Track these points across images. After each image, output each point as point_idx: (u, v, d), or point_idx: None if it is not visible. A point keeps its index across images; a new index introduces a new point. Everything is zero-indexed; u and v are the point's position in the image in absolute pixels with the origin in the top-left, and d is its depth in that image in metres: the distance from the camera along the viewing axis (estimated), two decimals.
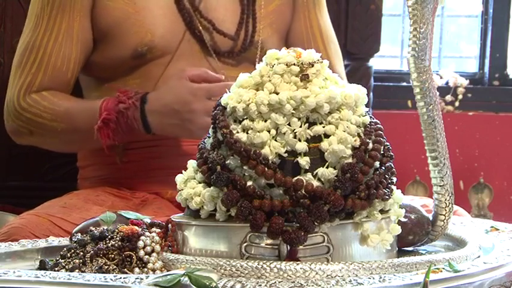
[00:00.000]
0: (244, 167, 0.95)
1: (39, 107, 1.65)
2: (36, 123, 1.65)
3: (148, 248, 1.00)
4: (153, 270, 0.98)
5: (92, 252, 0.99)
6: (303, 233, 0.92)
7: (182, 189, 1.01)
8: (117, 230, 1.02)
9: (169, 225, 1.02)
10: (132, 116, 1.58)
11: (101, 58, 1.71)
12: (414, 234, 1.05)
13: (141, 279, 0.89)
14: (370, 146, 0.97)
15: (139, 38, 1.66)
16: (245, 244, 0.95)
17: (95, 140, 1.59)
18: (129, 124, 1.58)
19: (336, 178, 0.94)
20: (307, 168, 0.95)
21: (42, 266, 1.02)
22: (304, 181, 0.94)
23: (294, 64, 0.99)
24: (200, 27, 1.68)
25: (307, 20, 1.83)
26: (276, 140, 0.96)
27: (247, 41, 1.71)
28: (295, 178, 0.94)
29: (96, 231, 1.03)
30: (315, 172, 0.95)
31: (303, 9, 1.83)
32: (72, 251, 1.02)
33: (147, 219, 1.08)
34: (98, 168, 1.76)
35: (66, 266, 0.99)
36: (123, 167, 1.71)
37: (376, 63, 2.42)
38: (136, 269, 0.99)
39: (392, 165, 1.00)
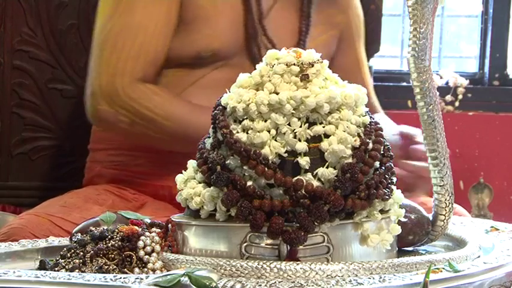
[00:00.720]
0: (244, 167, 0.95)
1: (151, 102, 1.59)
2: (146, 117, 1.59)
3: (148, 248, 1.00)
4: (153, 270, 0.98)
5: (92, 252, 0.99)
6: (303, 233, 0.92)
7: (182, 189, 1.01)
8: (117, 230, 1.02)
9: (169, 225, 1.02)
10: None
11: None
12: (414, 234, 1.05)
13: (141, 279, 0.89)
14: (370, 146, 0.97)
15: (208, 43, 1.64)
16: (245, 244, 0.95)
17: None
18: None
19: (336, 178, 0.94)
20: (307, 168, 0.95)
21: (42, 266, 1.02)
22: (304, 181, 0.94)
23: (294, 64, 0.99)
24: (260, 44, 1.67)
25: (353, 53, 1.84)
26: (276, 140, 0.96)
27: None
28: (295, 178, 0.94)
29: (96, 231, 1.03)
30: (315, 172, 0.95)
31: (349, 42, 1.84)
32: (72, 251, 1.02)
33: (147, 219, 1.08)
34: (113, 153, 1.75)
35: (66, 266, 0.99)
36: (139, 154, 1.70)
37: (376, 63, 2.43)
38: (136, 269, 0.99)
39: (392, 165, 1.00)
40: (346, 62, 1.83)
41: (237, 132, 0.97)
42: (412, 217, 1.05)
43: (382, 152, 0.99)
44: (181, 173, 1.03)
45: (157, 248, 1.00)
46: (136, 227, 1.03)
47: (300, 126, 0.96)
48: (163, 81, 1.65)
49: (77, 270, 0.97)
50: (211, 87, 1.64)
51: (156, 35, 1.60)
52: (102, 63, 1.63)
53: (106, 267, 0.98)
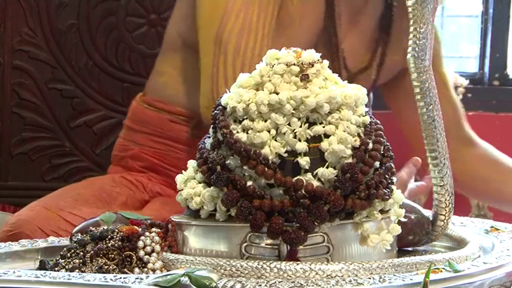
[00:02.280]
0: (244, 167, 0.95)
1: None
2: None
3: (148, 248, 1.00)
4: (153, 270, 0.98)
5: (92, 252, 0.99)
6: (303, 233, 0.92)
7: (182, 189, 1.01)
8: (117, 230, 1.02)
9: (169, 225, 1.02)
10: None
11: None
12: (414, 234, 1.05)
13: (141, 279, 0.89)
14: (370, 146, 0.97)
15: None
16: (245, 244, 0.95)
17: None
18: None
19: (336, 178, 0.94)
20: (307, 168, 0.95)
21: (42, 266, 1.02)
22: (304, 181, 0.94)
23: (294, 64, 0.99)
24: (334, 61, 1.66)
25: (437, 76, 1.86)
26: (276, 140, 0.96)
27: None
28: (295, 178, 0.94)
29: (96, 231, 1.03)
30: (315, 172, 0.95)
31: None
32: (72, 251, 1.02)
33: (147, 219, 1.08)
34: (155, 140, 1.74)
35: (66, 266, 0.99)
36: (182, 148, 1.70)
37: None
38: (136, 269, 0.99)
39: (393, 165, 1.00)
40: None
41: (237, 132, 0.97)
42: (412, 217, 1.05)
43: (382, 152, 0.99)
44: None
45: (157, 248, 1.00)
46: (136, 227, 1.03)
47: (300, 126, 0.96)
48: None
49: (77, 270, 0.97)
50: None
51: (270, 38, 1.58)
52: (228, 67, 1.57)
53: (106, 267, 0.98)
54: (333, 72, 1.00)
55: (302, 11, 1.62)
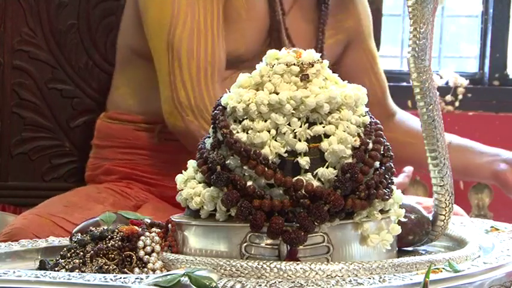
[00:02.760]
0: (244, 167, 0.95)
1: None
2: None
3: (148, 248, 1.00)
4: (153, 270, 0.98)
5: (92, 252, 0.99)
6: (303, 233, 0.92)
7: (182, 189, 1.01)
8: (117, 230, 1.02)
9: (169, 225, 1.02)
10: None
11: None
12: (414, 234, 1.05)
13: (141, 279, 0.89)
14: (370, 146, 0.97)
15: (235, 47, 1.63)
16: (245, 244, 0.95)
17: None
18: None
19: (336, 178, 0.94)
20: (307, 168, 0.95)
21: (42, 266, 1.02)
22: (304, 181, 0.94)
23: (294, 64, 0.99)
24: (284, 44, 1.66)
25: (365, 51, 1.87)
26: (276, 140, 0.96)
27: None
28: (295, 178, 0.94)
29: (96, 231, 1.03)
30: (315, 172, 0.95)
31: (360, 43, 1.85)
32: (72, 251, 1.02)
33: (147, 219, 1.08)
34: (122, 151, 1.74)
35: (66, 266, 0.99)
36: (156, 154, 1.70)
37: None
38: (136, 269, 0.99)
39: (392, 165, 1.00)
40: (359, 61, 1.85)
41: (237, 132, 0.97)
42: (412, 217, 1.05)
43: (382, 152, 0.99)
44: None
45: (157, 248, 1.00)
46: (136, 227, 1.03)
47: (300, 126, 0.96)
48: None
49: (77, 270, 0.97)
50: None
51: (220, 36, 1.58)
52: (184, 70, 1.58)
53: (106, 267, 0.98)
54: None
55: (246, 3, 1.64)
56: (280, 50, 1.58)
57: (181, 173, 1.02)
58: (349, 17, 1.84)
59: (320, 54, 1.56)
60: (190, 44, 1.56)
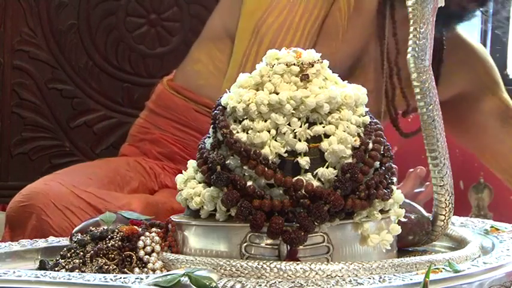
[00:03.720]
0: (244, 167, 0.95)
1: None
2: None
3: (148, 248, 1.00)
4: (153, 270, 0.98)
5: (92, 252, 0.99)
6: (303, 233, 0.92)
7: (182, 189, 1.01)
8: (117, 230, 1.02)
9: (169, 225, 1.02)
10: None
11: None
12: (414, 234, 1.05)
13: (141, 279, 0.89)
14: (370, 146, 0.97)
15: None
16: (245, 244, 0.95)
17: None
18: None
19: (336, 178, 0.94)
20: (307, 168, 0.95)
21: (42, 266, 1.02)
22: (304, 181, 0.94)
23: (294, 64, 0.99)
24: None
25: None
26: (276, 140, 0.96)
27: None
28: (295, 178, 0.94)
29: (96, 231, 1.03)
30: (315, 172, 0.95)
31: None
32: (72, 251, 1.02)
33: (147, 219, 1.08)
34: (178, 128, 1.74)
35: (66, 266, 0.99)
36: None
37: None
38: (136, 269, 0.99)
39: (392, 165, 1.00)
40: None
41: (237, 132, 0.97)
42: (412, 217, 1.05)
43: (382, 152, 0.99)
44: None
45: (157, 248, 1.00)
46: (136, 227, 1.03)
47: (300, 126, 0.96)
48: None
49: (77, 270, 0.97)
50: None
51: (309, 39, 1.59)
52: (258, 58, 1.58)
53: (106, 267, 0.98)
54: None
55: (347, 24, 1.62)
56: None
57: None
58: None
59: None
60: (276, 36, 1.57)
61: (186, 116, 1.73)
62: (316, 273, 0.89)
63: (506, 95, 1.89)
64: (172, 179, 1.69)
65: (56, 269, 1.00)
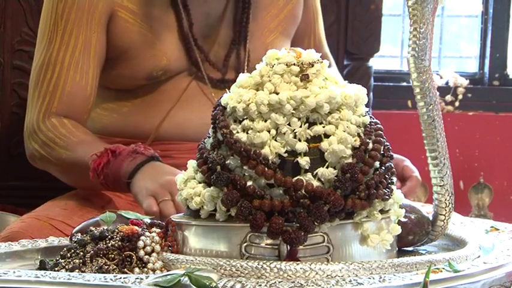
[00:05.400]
0: (244, 167, 0.95)
1: (56, 133, 1.59)
2: (48, 147, 1.60)
3: (148, 248, 1.00)
4: (153, 270, 0.98)
5: (92, 252, 0.99)
6: (303, 233, 0.92)
7: (182, 189, 1.01)
8: (117, 230, 1.02)
9: (169, 225, 1.02)
10: (127, 164, 1.48)
11: (112, 76, 1.67)
12: (414, 234, 1.05)
13: (141, 279, 0.89)
14: (370, 146, 0.97)
15: (156, 62, 1.63)
16: (245, 244, 0.95)
17: (88, 177, 1.51)
18: (121, 169, 1.48)
19: (336, 178, 0.94)
20: (307, 168, 0.95)
21: (42, 266, 1.02)
22: (304, 181, 0.94)
23: (294, 64, 0.99)
24: (197, 55, 1.66)
25: (311, 13, 1.81)
26: (276, 140, 0.96)
27: (239, 70, 1.67)
28: (295, 178, 0.94)
29: (96, 231, 1.03)
30: (315, 172, 0.95)
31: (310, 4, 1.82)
32: (72, 251, 1.02)
33: (147, 219, 1.08)
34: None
35: (66, 266, 0.99)
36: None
37: (376, 63, 2.42)
38: (136, 269, 0.99)
39: (392, 165, 1.00)
40: (304, 24, 1.81)
41: (237, 132, 0.97)
42: (412, 217, 1.05)
43: (382, 152, 0.99)
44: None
45: (157, 248, 1.00)
46: (136, 227, 1.03)
47: (300, 126, 0.96)
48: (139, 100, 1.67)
49: (77, 270, 0.97)
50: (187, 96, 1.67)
51: (73, 65, 1.61)
52: (28, 101, 1.65)
53: (106, 267, 0.98)
54: None
55: (150, 29, 1.66)
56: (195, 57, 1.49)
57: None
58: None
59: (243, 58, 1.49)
60: (38, 75, 1.63)
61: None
62: (316, 273, 0.89)
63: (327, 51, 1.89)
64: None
65: (56, 269, 1.00)
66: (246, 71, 1.68)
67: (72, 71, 1.61)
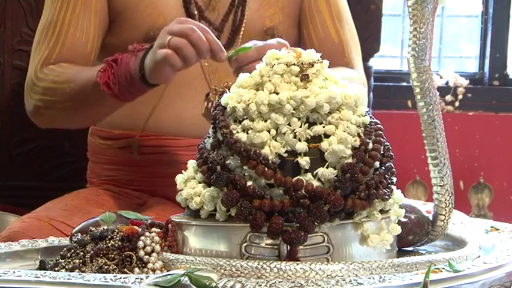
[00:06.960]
0: (244, 167, 0.95)
1: (54, 74, 1.60)
2: (50, 89, 1.60)
3: (148, 248, 1.00)
4: (153, 270, 0.98)
5: (92, 252, 0.99)
6: (303, 233, 0.92)
7: (182, 189, 1.01)
8: (117, 230, 1.02)
9: (169, 225, 1.02)
10: (133, 61, 1.50)
11: (113, 40, 1.67)
12: (414, 234, 1.05)
13: (141, 279, 0.89)
14: (370, 146, 0.97)
15: (152, 21, 1.63)
16: (245, 244, 0.95)
17: (102, 100, 1.53)
18: (128, 67, 1.50)
19: (336, 178, 0.94)
20: (307, 168, 0.95)
21: (42, 266, 1.02)
22: (304, 181, 0.94)
23: (294, 64, 0.99)
24: (195, 12, 1.66)
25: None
26: (276, 140, 0.96)
27: (233, 33, 1.66)
28: (295, 178, 0.94)
29: (96, 231, 1.03)
30: (315, 172, 0.95)
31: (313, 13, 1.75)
32: (72, 251, 1.02)
33: (147, 219, 1.08)
34: (106, 168, 1.74)
35: (66, 266, 0.99)
36: (135, 169, 1.69)
37: (376, 63, 2.42)
38: (136, 269, 0.99)
39: (392, 165, 1.00)
40: (305, 5, 1.75)
41: (237, 132, 0.97)
42: (412, 217, 1.05)
43: (382, 152, 0.99)
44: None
45: (157, 248, 1.00)
46: (136, 227, 1.03)
47: (300, 126, 0.96)
48: None
49: (77, 270, 0.97)
50: None
51: (74, 22, 1.63)
52: (30, 60, 1.66)
53: (106, 267, 0.98)
54: None
55: None
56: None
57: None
58: None
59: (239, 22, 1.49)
60: (40, 35, 1.65)
61: (107, 152, 1.74)
62: (316, 273, 0.89)
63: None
64: (144, 195, 1.68)
65: (56, 269, 1.00)
66: (241, 36, 1.67)
67: (73, 27, 1.63)
